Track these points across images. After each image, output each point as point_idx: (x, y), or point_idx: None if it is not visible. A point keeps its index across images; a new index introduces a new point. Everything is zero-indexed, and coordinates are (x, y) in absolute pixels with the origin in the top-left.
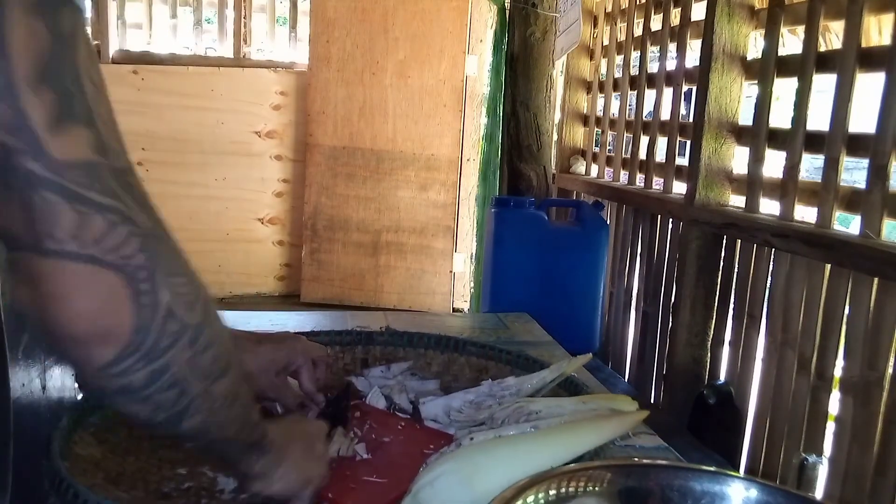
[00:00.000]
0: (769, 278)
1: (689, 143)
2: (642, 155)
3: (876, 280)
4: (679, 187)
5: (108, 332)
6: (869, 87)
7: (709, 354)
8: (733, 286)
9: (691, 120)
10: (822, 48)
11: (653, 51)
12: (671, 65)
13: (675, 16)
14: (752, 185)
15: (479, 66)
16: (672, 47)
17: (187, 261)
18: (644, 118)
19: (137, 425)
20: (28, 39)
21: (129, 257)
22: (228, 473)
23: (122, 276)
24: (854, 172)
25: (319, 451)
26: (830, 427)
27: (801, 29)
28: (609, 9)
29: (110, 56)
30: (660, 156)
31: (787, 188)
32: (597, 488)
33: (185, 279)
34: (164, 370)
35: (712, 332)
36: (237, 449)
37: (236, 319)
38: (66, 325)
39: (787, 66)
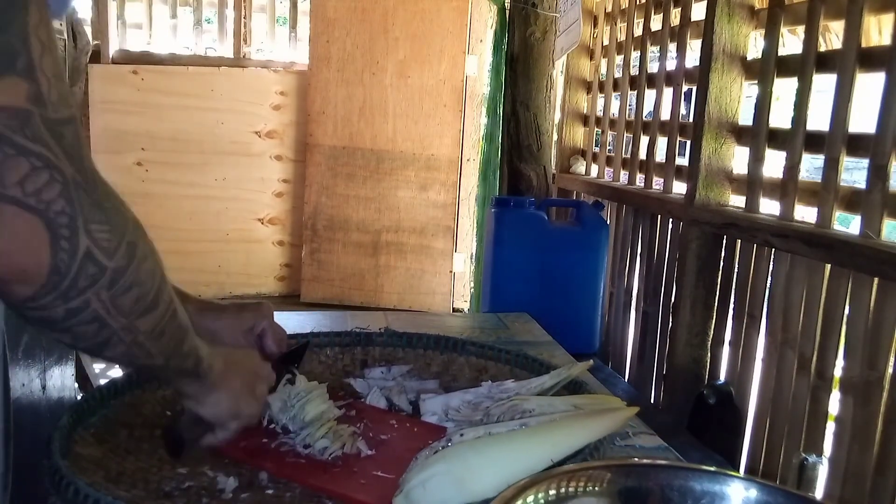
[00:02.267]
0: (769, 278)
1: (689, 143)
2: (642, 155)
3: (876, 280)
4: (679, 187)
5: (25, 271)
6: (869, 87)
7: (709, 354)
8: (733, 286)
9: (691, 120)
10: (822, 48)
11: (653, 51)
12: (671, 65)
13: (675, 16)
14: (752, 185)
15: (479, 66)
16: (672, 47)
17: (114, 208)
18: (644, 118)
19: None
20: None
21: (49, 202)
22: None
23: (42, 219)
24: (854, 172)
25: (259, 390)
26: (830, 427)
27: (801, 29)
28: (609, 9)
29: (110, 56)
30: (660, 156)
31: (787, 188)
32: (597, 488)
33: (107, 227)
34: (82, 308)
35: (712, 332)
36: (168, 373)
37: None
38: None
39: (787, 66)
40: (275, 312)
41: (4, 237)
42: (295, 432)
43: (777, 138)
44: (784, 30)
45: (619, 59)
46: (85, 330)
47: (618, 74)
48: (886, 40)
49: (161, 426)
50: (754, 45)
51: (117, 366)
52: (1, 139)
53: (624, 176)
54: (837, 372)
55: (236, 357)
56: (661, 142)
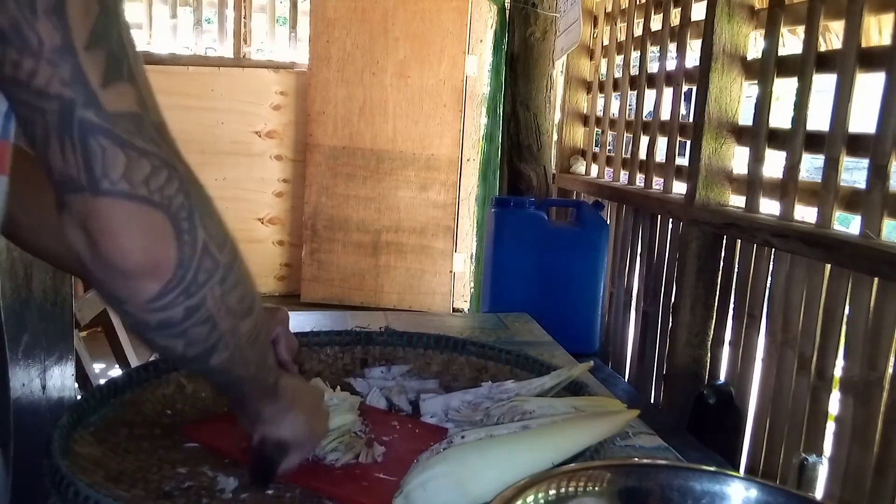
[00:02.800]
0: (769, 278)
1: (689, 143)
2: (642, 155)
3: (876, 280)
4: (679, 187)
5: (157, 265)
6: (869, 86)
7: (709, 354)
8: (733, 286)
9: (691, 120)
10: (822, 48)
11: (653, 51)
12: (671, 65)
13: (675, 16)
14: (752, 185)
15: (479, 66)
16: (672, 47)
17: (216, 205)
18: (644, 118)
19: (171, 360)
20: (83, 9)
21: (171, 197)
22: (242, 420)
23: (167, 214)
24: (854, 172)
25: (324, 410)
26: (830, 427)
27: (801, 29)
28: (609, 9)
29: None
30: (660, 156)
31: (787, 188)
32: (597, 488)
33: (217, 221)
34: (199, 305)
35: (712, 332)
36: (255, 389)
37: None
38: (119, 260)
39: (787, 66)
40: None
41: (135, 233)
42: None
43: (777, 138)
44: (784, 30)
45: (619, 59)
46: (198, 332)
47: (618, 74)
48: (886, 40)
49: (244, 455)
50: (754, 45)
51: (214, 383)
52: (124, 143)
53: (624, 176)
54: (837, 372)
55: (297, 379)
56: (661, 142)
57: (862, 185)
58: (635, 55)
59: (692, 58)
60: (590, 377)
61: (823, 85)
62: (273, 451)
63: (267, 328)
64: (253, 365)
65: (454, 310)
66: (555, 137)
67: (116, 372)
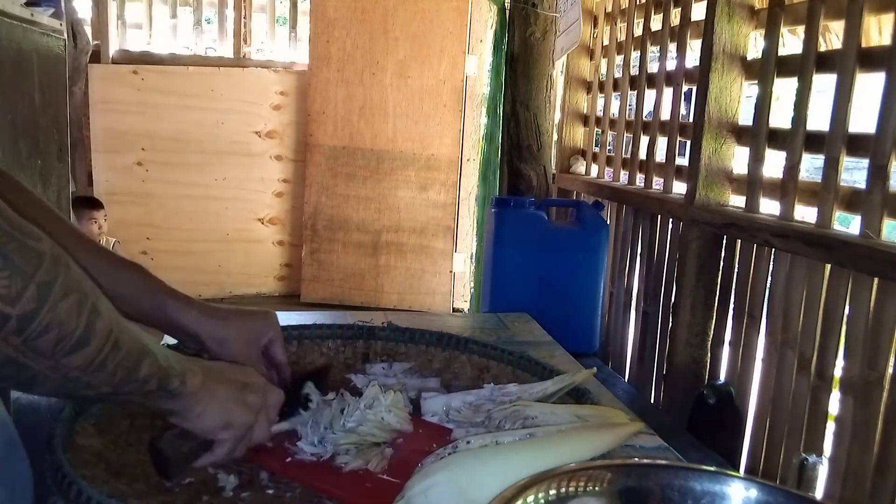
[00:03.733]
0: (769, 278)
1: (689, 143)
2: (642, 155)
3: (876, 280)
4: (679, 187)
5: None
6: (869, 87)
7: (709, 354)
8: (733, 286)
9: (691, 120)
10: (823, 48)
11: (653, 51)
12: (671, 65)
13: (675, 16)
14: (752, 185)
15: (479, 66)
16: (672, 47)
17: (18, 250)
18: (644, 118)
19: None
20: None
21: None
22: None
23: None
24: (854, 172)
25: (251, 401)
26: (830, 427)
27: (801, 29)
28: (609, 9)
29: (110, 56)
30: (660, 156)
31: (788, 188)
32: (597, 488)
33: (7, 272)
34: None
35: (712, 332)
36: (126, 399)
37: None
38: None
39: (787, 66)
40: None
41: None
42: (325, 429)
43: (777, 138)
44: (784, 30)
45: (619, 59)
46: (4, 372)
47: (618, 74)
48: (886, 40)
49: (146, 443)
50: (754, 45)
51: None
52: None
53: (624, 176)
54: (837, 372)
55: (219, 367)
56: (661, 142)
57: (862, 185)
58: (635, 55)
59: (692, 58)
60: (591, 378)
61: (823, 85)
62: (171, 443)
63: (135, 346)
64: (106, 386)
65: (454, 310)
66: (555, 137)
67: None
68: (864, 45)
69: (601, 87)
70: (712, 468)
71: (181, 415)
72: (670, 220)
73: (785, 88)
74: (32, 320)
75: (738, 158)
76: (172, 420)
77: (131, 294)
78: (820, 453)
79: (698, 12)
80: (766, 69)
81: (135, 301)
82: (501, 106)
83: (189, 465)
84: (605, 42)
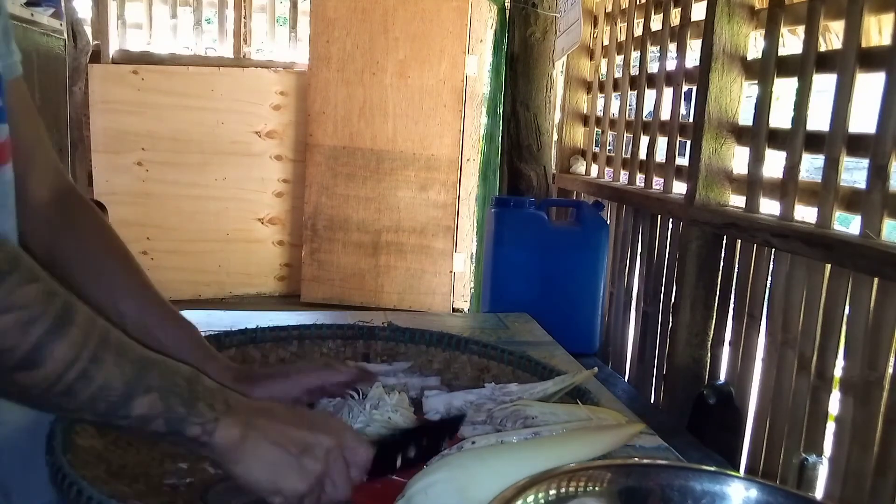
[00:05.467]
0: (769, 278)
1: (689, 143)
2: (642, 155)
3: (876, 280)
4: (679, 187)
5: None
6: (869, 86)
7: (709, 354)
8: (733, 286)
9: (691, 120)
10: (823, 48)
11: (653, 51)
12: (671, 65)
13: (676, 16)
14: (752, 185)
15: (479, 66)
16: (672, 47)
17: None
18: (644, 118)
19: None
20: None
21: None
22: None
23: None
24: (854, 172)
25: (306, 465)
26: (830, 427)
27: (801, 29)
28: (609, 9)
29: (110, 56)
30: (660, 156)
31: (788, 188)
32: (597, 488)
33: None
34: None
35: (712, 332)
36: (141, 434)
37: (236, 319)
38: None
39: (787, 66)
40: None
41: None
42: None
43: (777, 138)
44: (784, 30)
45: (619, 59)
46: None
47: (618, 74)
48: (886, 40)
49: (178, 470)
50: (754, 45)
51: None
52: None
53: (624, 176)
54: (837, 372)
55: (274, 414)
56: (662, 142)
57: (862, 185)
58: (635, 55)
59: (692, 58)
60: (591, 378)
61: (823, 85)
62: (216, 498)
63: (126, 379)
64: (94, 414)
65: (454, 310)
66: (555, 137)
67: None
68: (864, 45)
69: (601, 87)
70: (712, 468)
71: (220, 465)
72: (670, 220)
73: (785, 88)
74: None
75: (738, 158)
76: (224, 468)
77: (172, 349)
78: (820, 453)
79: (698, 12)
80: (766, 69)
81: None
82: (501, 106)
83: None
84: (606, 42)
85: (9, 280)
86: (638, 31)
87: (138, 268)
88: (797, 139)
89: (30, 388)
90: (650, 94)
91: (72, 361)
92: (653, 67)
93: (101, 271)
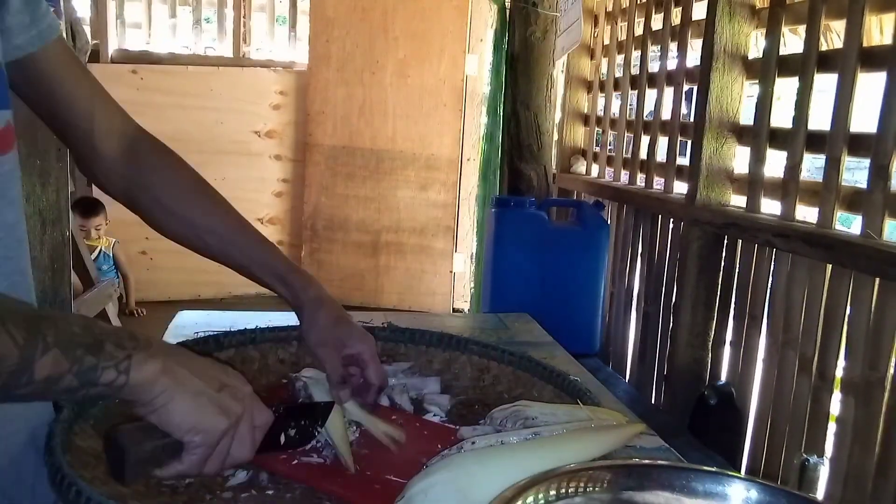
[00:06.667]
0: (770, 278)
1: (689, 142)
2: (643, 155)
3: (877, 280)
4: (680, 187)
5: None
6: (870, 86)
7: (710, 355)
8: (734, 286)
9: (692, 120)
10: (824, 48)
11: (654, 50)
12: (672, 64)
13: (676, 15)
14: (753, 184)
15: (479, 66)
16: (673, 47)
17: None
18: (645, 118)
19: None
20: None
21: None
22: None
23: None
24: (855, 172)
25: (229, 406)
26: (832, 428)
27: (802, 28)
28: (610, 8)
29: (109, 56)
30: (661, 156)
31: (789, 188)
32: (597, 489)
33: None
34: None
35: (713, 332)
36: (46, 398)
37: (236, 319)
38: None
39: (788, 66)
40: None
41: None
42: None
43: (778, 138)
44: (785, 29)
45: (619, 59)
46: None
47: (618, 74)
48: (888, 40)
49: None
50: (755, 45)
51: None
52: None
53: (625, 176)
54: (839, 372)
55: (190, 356)
56: (662, 142)
57: (863, 184)
58: (636, 54)
59: (693, 57)
60: (591, 379)
61: (824, 84)
62: (129, 437)
63: (16, 343)
64: None
65: (454, 310)
66: (555, 137)
67: None
68: (865, 44)
69: (602, 87)
70: (713, 469)
71: (142, 405)
72: (671, 220)
73: (786, 88)
74: None
75: (739, 158)
76: (137, 412)
77: (258, 260)
78: (821, 454)
79: (699, 12)
80: (767, 69)
81: (261, 279)
82: (502, 105)
83: (150, 467)
84: (606, 41)
85: None
86: (639, 31)
87: (217, 199)
88: (798, 139)
89: None
90: (651, 94)
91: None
92: (654, 67)
93: (180, 210)
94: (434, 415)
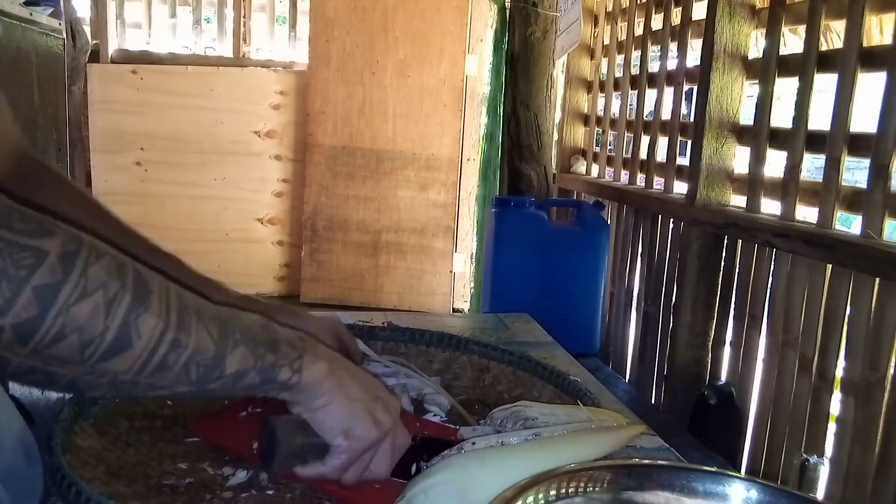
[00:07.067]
0: (770, 278)
1: (689, 142)
2: (643, 155)
3: (877, 280)
4: (680, 187)
5: None
6: (870, 86)
7: (710, 355)
8: (734, 286)
9: (692, 119)
10: (824, 47)
11: (654, 50)
12: (672, 64)
13: (676, 15)
14: (753, 184)
15: (479, 66)
16: (673, 46)
17: (7, 251)
18: (645, 118)
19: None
20: None
21: None
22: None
23: None
24: (855, 172)
25: (381, 418)
26: (832, 428)
27: (802, 28)
28: (610, 8)
29: (109, 55)
30: (661, 155)
31: (789, 188)
32: (597, 489)
33: (10, 284)
34: (4, 363)
35: (713, 332)
36: (234, 393)
37: None
38: None
39: (788, 66)
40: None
41: None
42: None
43: (778, 138)
44: (785, 29)
45: (619, 59)
46: (34, 379)
47: (618, 74)
48: (888, 40)
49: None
50: (755, 45)
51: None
52: None
53: (625, 176)
54: (839, 372)
55: (350, 364)
56: (662, 141)
57: (863, 184)
58: (636, 54)
59: (693, 57)
60: (591, 378)
61: (825, 84)
62: (285, 428)
63: (213, 336)
64: (181, 385)
65: (454, 310)
66: (555, 137)
67: None
68: (865, 44)
69: (602, 87)
70: (713, 469)
71: (301, 405)
72: (671, 220)
73: (786, 88)
74: (37, 328)
75: (739, 158)
76: (293, 409)
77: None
78: (821, 454)
79: (699, 11)
80: (767, 69)
81: None
82: (502, 105)
83: (297, 462)
84: (606, 41)
85: (78, 261)
86: (639, 31)
87: (112, 216)
88: (798, 139)
89: (121, 373)
90: (651, 94)
91: (161, 333)
92: (653, 67)
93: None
94: (434, 415)
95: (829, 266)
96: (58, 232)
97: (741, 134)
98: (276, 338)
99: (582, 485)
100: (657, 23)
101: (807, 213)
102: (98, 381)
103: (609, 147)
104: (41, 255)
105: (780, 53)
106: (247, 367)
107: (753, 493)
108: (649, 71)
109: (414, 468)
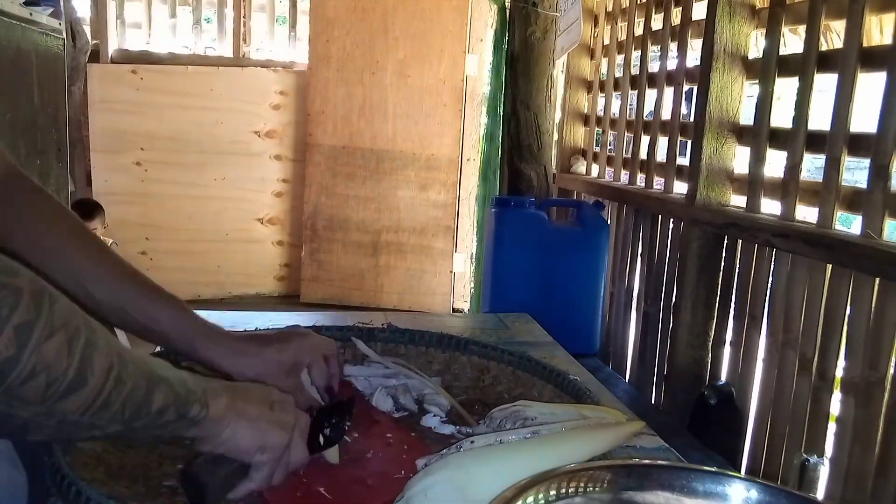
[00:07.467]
0: (770, 278)
1: (689, 142)
2: (643, 155)
3: (877, 280)
4: (680, 187)
5: None
6: (870, 86)
7: (710, 355)
8: (734, 286)
9: (692, 119)
10: (824, 48)
11: (654, 50)
12: (672, 64)
13: (676, 15)
14: (753, 184)
15: (479, 66)
16: (673, 47)
17: None
18: (645, 118)
19: None
20: None
21: None
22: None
23: None
24: (855, 172)
25: (283, 419)
26: (832, 428)
27: (802, 28)
28: (610, 8)
29: (109, 55)
30: (661, 155)
31: (789, 188)
32: (597, 489)
33: None
34: None
35: (713, 332)
36: (144, 434)
37: (236, 320)
38: None
39: (788, 66)
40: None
41: None
42: None
43: (778, 138)
44: (785, 29)
45: (619, 59)
46: None
47: (618, 74)
48: (888, 40)
49: (177, 472)
50: (755, 45)
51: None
52: None
53: (625, 176)
54: (839, 372)
55: (244, 386)
56: (662, 141)
57: (863, 184)
58: (636, 54)
59: (693, 57)
60: (591, 378)
61: (825, 84)
62: (204, 469)
63: (142, 379)
64: (116, 423)
65: (454, 310)
66: (555, 137)
67: None
68: (865, 44)
69: (602, 87)
70: (713, 469)
71: (210, 441)
72: (671, 220)
73: (786, 88)
74: (13, 367)
75: (739, 158)
76: (201, 448)
77: (161, 330)
78: (821, 454)
79: (699, 11)
80: (767, 69)
81: (164, 336)
82: (502, 105)
83: (227, 492)
84: (606, 41)
85: (45, 299)
86: (639, 31)
87: (103, 246)
88: (798, 139)
89: (70, 413)
90: (651, 94)
91: (108, 370)
92: (653, 67)
93: (60, 256)
94: (434, 415)
95: (829, 266)
96: (22, 270)
97: (741, 134)
98: (183, 375)
99: (582, 485)
100: (657, 23)
101: (807, 213)
102: (47, 423)
103: (609, 147)
104: (18, 293)
105: (780, 53)
106: (168, 403)
107: (753, 493)
108: (649, 71)
109: (321, 438)
